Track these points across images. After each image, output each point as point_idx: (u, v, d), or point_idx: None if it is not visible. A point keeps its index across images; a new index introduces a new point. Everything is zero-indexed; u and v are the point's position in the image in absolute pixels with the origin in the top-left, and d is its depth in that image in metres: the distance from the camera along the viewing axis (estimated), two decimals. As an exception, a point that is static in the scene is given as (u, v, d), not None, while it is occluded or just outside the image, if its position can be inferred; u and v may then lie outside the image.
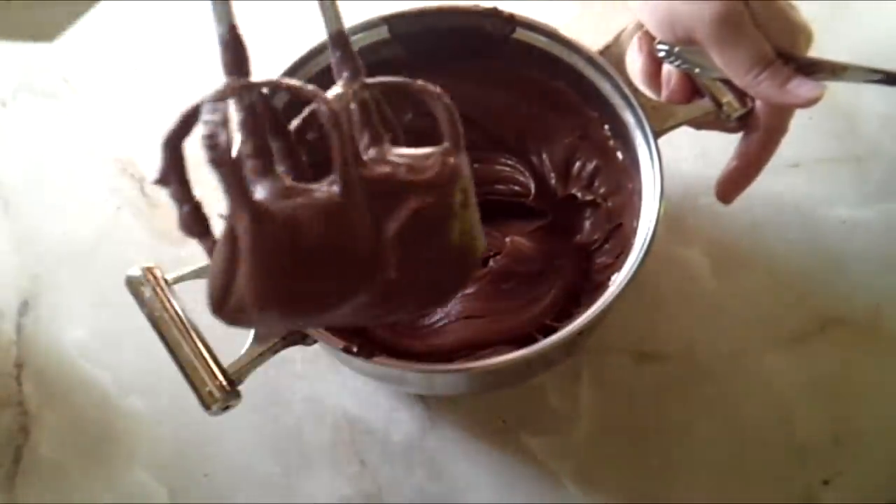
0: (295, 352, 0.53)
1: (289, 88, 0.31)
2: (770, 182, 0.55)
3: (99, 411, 0.54)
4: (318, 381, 0.54)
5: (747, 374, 0.52)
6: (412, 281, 0.32)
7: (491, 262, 0.48)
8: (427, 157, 0.32)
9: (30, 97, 0.63)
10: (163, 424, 0.53)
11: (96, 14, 0.65)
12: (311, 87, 0.30)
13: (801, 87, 0.41)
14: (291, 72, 0.45)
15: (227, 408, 0.41)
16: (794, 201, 0.56)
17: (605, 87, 0.47)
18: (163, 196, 0.59)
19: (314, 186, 0.30)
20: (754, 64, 0.41)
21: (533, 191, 0.50)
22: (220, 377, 0.40)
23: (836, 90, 0.58)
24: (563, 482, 0.51)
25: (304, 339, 0.43)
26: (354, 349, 0.42)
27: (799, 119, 0.57)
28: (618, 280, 0.42)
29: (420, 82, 0.32)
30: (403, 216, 0.31)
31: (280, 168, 0.32)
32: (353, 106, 0.32)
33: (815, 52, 0.44)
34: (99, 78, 0.63)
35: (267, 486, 0.52)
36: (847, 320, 0.53)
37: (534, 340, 0.44)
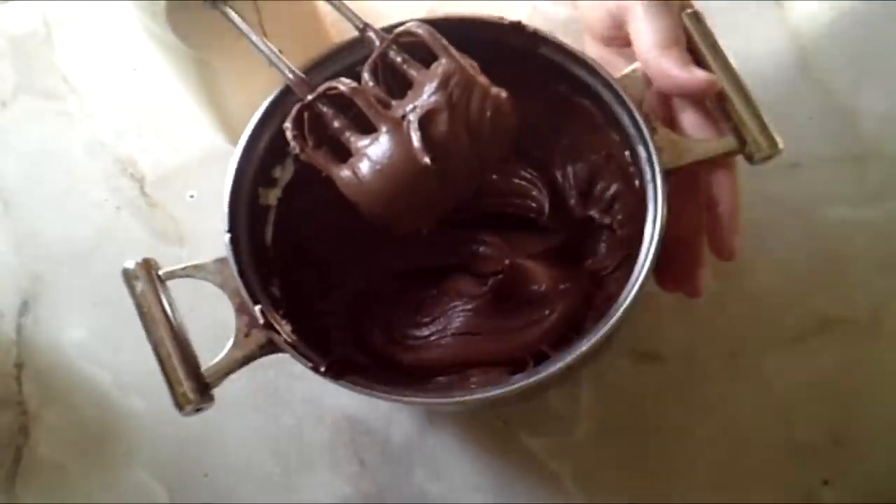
0: (295, 352, 0.54)
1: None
2: (770, 182, 0.55)
3: (99, 411, 0.54)
4: (317, 381, 0.53)
5: (747, 374, 0.52)
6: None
7: (491, 281, 0.47)
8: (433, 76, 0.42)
9: (30, 97, 0.63)
10: (163, 424, 0.53)
11: (96, 14, 0.65)
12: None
13: (700, 71, 0.42)
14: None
15: (199, 410, 0.41)
16: (794, 201, 0.56)
17: (623, 115, 0.45)
18: (162, 196, 0.59)
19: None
20: (669, 40, 0.43)
21: (546, 210, 0.49)
22: (195, 380, 0.40)
23: (835, 90, 0.58)
24: (563, 482, 0.51)
25: (280, 350, 0.42)
26: (322, 368, 0.41)
27: (799, 119, 0.57)
28: (607, 321, 0.41)
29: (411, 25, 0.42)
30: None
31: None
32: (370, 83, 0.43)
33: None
34: (99, 78, 0.63)
35: (267, 486, 0.52)
36: (847, 320, 0.53)
37: (526, 365, 0.43)
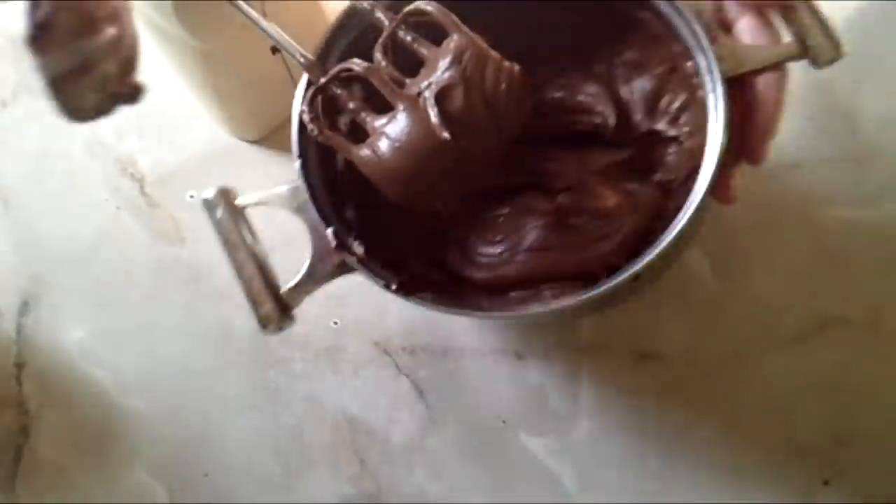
0: (294, 351, 0.54)
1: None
2: (770, 182, 0.55)
3: (99, 411, 0.54)
4: (318, 381, 0.54)
5: (747, 374, 0.52)
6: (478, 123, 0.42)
7: (560, 197, 0.47)
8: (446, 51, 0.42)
9: (30, 97, 0.63)
10: (163, 424, 0.53)
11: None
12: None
13: None
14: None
15: (280, 329, 0.42)
16: (794, 201, 0.56)
17: (682, 27, 0.44)
18: (162, 196, 0.59)
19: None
20: None
21: (612, 124, 0.49)
22: (276, 300, 0.42)
23: (835, 90, 0.58)
24: (563, 482, 0.51)
25: (354, 270, 0.44)
26: (394, 286, 0.42)
27: (799, 119, 0.57)
28: (673, 227, 0.41)
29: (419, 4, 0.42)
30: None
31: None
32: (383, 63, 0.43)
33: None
34: (99, 78, 0.63)
35: (267, 486, 0.52)
36: (847, 320, 0.53)
37: (598, 278, 0.43)
